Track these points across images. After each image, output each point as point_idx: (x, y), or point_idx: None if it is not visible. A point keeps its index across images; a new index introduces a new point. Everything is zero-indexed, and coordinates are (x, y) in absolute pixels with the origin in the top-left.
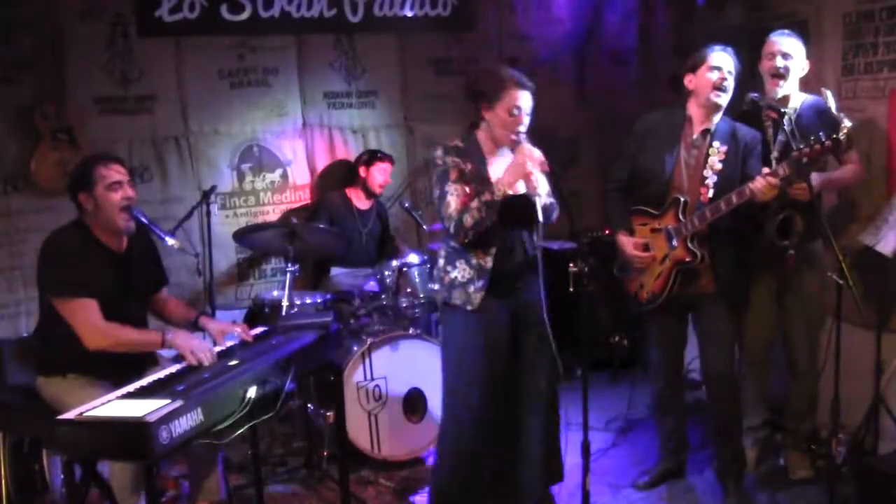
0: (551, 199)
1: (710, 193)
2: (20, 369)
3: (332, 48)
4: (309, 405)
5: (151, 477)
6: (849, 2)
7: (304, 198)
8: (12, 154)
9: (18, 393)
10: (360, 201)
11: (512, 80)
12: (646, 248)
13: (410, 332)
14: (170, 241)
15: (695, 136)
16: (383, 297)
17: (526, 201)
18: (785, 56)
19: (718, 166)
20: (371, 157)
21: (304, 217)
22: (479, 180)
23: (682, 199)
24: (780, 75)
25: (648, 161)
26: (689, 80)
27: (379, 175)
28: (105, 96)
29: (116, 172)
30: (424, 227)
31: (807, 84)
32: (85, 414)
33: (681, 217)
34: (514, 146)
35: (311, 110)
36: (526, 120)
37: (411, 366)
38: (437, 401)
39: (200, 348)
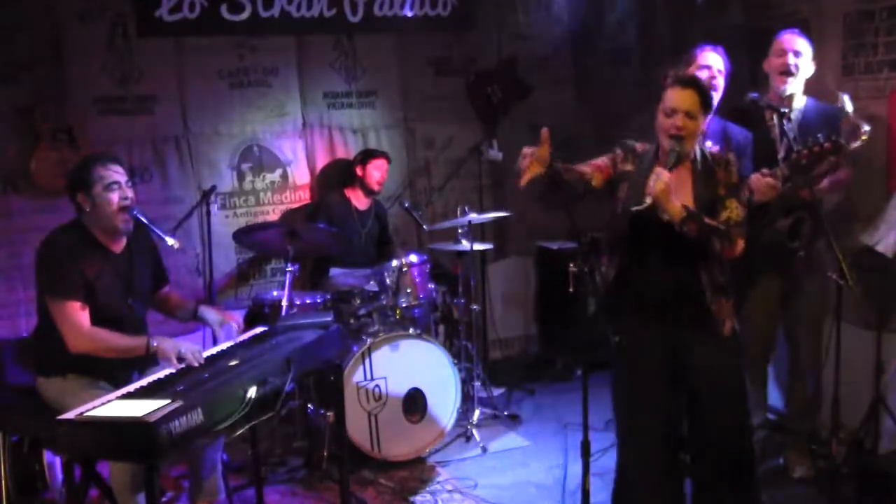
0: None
1: None
2: (20, 369)
3: (332, 48)
4: (309, 405)
5: (151, 477)
6: (849, 2)
7: (304, 198)
8: (12, 154)
9: (18, 393)
10: (359, 201)
11: (672, 77)
12: None
13: (410, 332)
14: (170, 241)
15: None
16: (383, 297)
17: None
18: (796, 54)
19: None
20: (365, 155)
21: (304, 217)
22: (618, 183)
23: None
24: (790, 72)
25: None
26: None
27: (376, 172)
28: (105, 96)
29: (115, 173)
30: (424, 226)
31: (807, 85)
32: (85, 414)
33: None
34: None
35: (311, 110)
36: (683, 123)
37: (411, 366)
38: (437, 401)
39: (187, 351)
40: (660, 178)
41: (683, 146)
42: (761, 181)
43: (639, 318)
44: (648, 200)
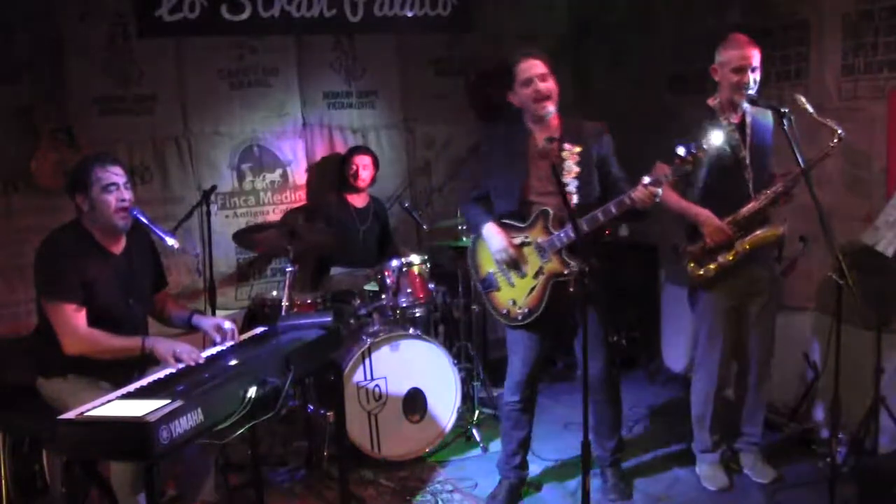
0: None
1: (576, 199)
2: (20, 369)
3: (332, 48)
4: (309, 405)
5: (151, 477)
6: (849, 2)
7: (304, 198)
8: (12, 154)
9: (18, 393)
10: (355, 199)
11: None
12: (515, 262)
13: (410, 332)
14: (170, 241)
15: (541, 147)
16: (383, 297)
17: None
18: (754, 70)
19: (575, 169)
20: (350, 152)
21: (303, 217)
22: None
23: (549, 212)
24: (749, 87)
25: (500, 182)
26: (513, 98)
27: (359, 168)
28: (105, 96)
29: (113, 174)
30: (424, 227)
31: (807, 85)
32: (85, 414)
33: (550, 229)
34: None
35: (311, 110)
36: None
37: (411, 366)
38: (437, 401)
39: (183, 351)
40: None
41: None
42: (643, 191)
43: None
44: None
